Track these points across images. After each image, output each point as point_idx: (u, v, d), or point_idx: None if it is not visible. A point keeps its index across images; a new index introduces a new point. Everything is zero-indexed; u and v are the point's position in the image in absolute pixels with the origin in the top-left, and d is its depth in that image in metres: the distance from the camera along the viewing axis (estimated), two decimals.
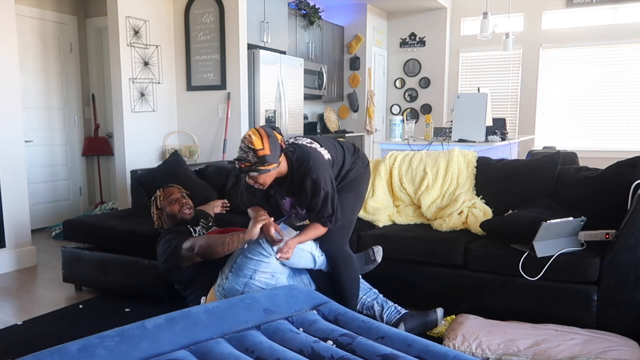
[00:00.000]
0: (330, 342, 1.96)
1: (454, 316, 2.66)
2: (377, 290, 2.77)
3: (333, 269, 2.56)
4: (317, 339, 1.97)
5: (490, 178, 3.31)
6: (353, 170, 2.63)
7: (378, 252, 2.74)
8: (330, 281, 2.58)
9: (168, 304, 2.93)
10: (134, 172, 3.83)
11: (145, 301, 3.08)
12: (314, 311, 2.28)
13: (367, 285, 2.78)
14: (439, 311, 2.61)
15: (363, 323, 2.14)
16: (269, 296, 2.22)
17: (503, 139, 4.92)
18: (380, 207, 3.36)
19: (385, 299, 2.72)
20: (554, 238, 2.59)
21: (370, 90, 8.20)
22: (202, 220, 2.94)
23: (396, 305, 2.69)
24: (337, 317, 2.25)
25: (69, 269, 3.40)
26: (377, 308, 2.67)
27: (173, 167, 3.83)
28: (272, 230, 2.35)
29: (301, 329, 2.09)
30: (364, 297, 2.71)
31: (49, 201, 5.44)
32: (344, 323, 2.18)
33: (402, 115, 8.66)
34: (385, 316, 2.63)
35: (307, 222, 2.63)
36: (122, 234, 3.21)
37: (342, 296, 2.54)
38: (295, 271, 2.61)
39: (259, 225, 2.38)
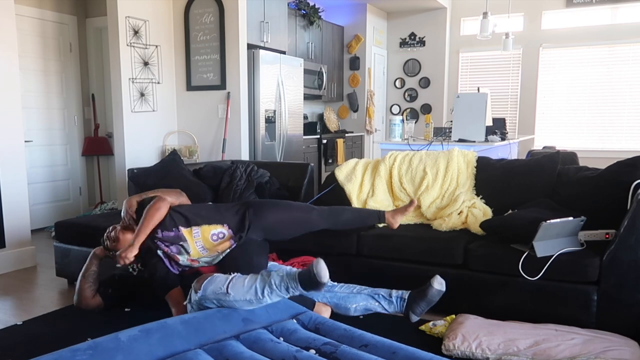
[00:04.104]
0: (312, 351, 1.93)
1: (454, 316, 2.65)
2: (360, 289, 2.67)
3: (336, 220, 2.91)
4: (299, 348, 1.93)
5: (490, 178, 3.30)
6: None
7: (318, 267, 2.26)
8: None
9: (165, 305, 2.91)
10: (130, 171, 3.84)
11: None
12: (294, 320, 2.24)
13: (348, 289, 2.69)
14: (436, 282, 2.51)
15: (345, 331, 2.10)
16: None
17: (503, 139, 4.92)
18: (380, 207, 3.35)
19: (372, 294, 2.62)
20: (554, 238, 2.59)
21: (370, 90, 8.20)
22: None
23: (391, 295, 2.60)
24: (317, 326, 2.21)
25: (61, 263, 3.51)
26: (378, 308, 2.62)
27: (168, 167, 3.84)
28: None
29: (281, 339, 2.05)
30: (354, 305, 2.62)
31: (49, 201, 5.44)
32: (325, 332, 2.13)
33: (402, 115, 8.66)
34: (391, 310, 2.59)
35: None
36: (103, 230, 3.21)
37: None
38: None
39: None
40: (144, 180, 3.81)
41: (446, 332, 2.46)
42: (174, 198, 2.77)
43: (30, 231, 4.11)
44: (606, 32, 7.58)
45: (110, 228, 2.76)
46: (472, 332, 2.37)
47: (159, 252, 2.64)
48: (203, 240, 2.62)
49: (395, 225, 3.02)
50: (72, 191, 5.70)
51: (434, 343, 2.44)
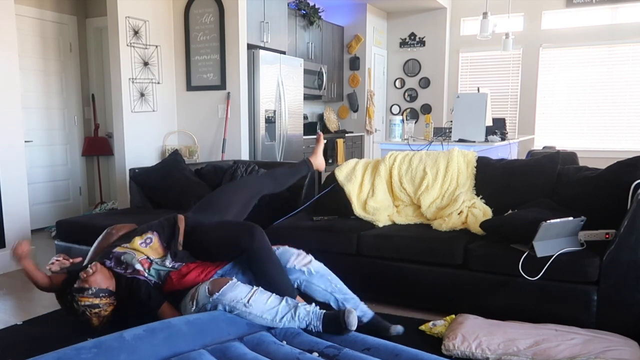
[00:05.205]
0: (315, 354, 1.93)
1: (453, 316, 2.66)
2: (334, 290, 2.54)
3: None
4: (302, 350, 1.94)
5: (490, 178, 3.30)
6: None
7: (350, 317, 2.25)
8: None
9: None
10: (132, 171, 3.86)
11: None
12: None
13: (329, 287, 2.55)
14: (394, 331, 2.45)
15: (348, 335, 2.11)
16: None
17: (503, 139, 4.91)
18: (380, 207, 3.35)
19: (336, 303, 2.50)
20: (554, 238, 2.59)
21: (370, 90, 8.20)
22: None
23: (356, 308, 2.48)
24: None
25: None
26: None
27: (169, 166, 3.87)
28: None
29: (285, 342, 2.06)
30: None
31: (49, 201, 5.44)
32: (329, 335, 2.15)
33: (402, 115, 8.66)
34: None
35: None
36: (104, 229, 3.20)
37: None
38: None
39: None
40: (145, 180, 3.84)
41: (446, 332, 2.46)
42: (103, 244, 2.74)
43: (30, 231, 4.11)
44: (606, 32, 7.58)
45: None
46: (472, 332, 2.37)
47: (125, 276, 2.51)
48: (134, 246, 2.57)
49: (322, 167, 3.28)
50: (72, 191, 5.70)
51: (433, 343, 2.44)
